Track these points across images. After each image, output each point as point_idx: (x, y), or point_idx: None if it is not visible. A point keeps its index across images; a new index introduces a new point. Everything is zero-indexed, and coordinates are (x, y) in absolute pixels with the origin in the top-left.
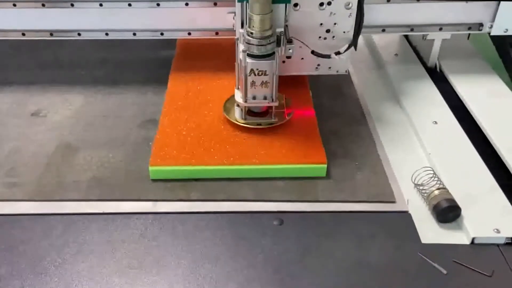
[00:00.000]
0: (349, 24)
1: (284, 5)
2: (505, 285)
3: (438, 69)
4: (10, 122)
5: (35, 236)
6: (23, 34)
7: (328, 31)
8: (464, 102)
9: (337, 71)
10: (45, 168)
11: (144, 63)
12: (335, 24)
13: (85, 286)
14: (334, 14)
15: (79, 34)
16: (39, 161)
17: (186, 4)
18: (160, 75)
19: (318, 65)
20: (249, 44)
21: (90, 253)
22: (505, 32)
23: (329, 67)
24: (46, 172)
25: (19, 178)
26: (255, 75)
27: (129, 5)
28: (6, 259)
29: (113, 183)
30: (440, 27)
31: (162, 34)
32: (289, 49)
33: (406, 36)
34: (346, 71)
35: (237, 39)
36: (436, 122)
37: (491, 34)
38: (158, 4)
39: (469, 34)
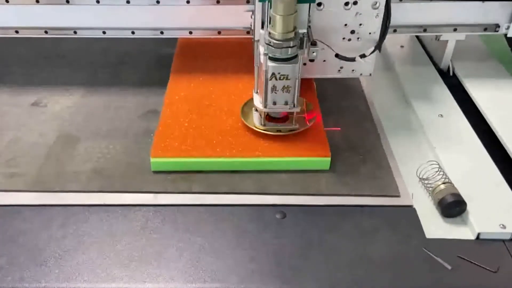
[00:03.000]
0: (376, 25)
1: (307, 5)
2: (511, 281)
3: (451, 72)
4: (10, 112)
5: (35, 227)
6: (17, 32)
7: (353, 32)
8: (477, 106)
9: (361, 74)
10: (45, 159)
11: (146, 54)
12: (360, 25)
13: (85, 278)
14: (360, 14)
15: (75, 32)
16: (39, 152)
17: (188, 2)
18: (162, 66)
19: (341, 67)
20: (270, 46)
21: (90, 245)
22: None
23: (353, 70)
24: (46, 162)
25: (19, 169)
26: (276, 79)
27: (128, 2)
28: (6, 250)
29: (114, 174)
30: (455, 28)
31: (162, 33)
32: (313, 52)
33: (418, 37)
34: (370, 74)
35: (257, 40)
36: (441, 116)
37: (508, 35)
38: (158, 2)
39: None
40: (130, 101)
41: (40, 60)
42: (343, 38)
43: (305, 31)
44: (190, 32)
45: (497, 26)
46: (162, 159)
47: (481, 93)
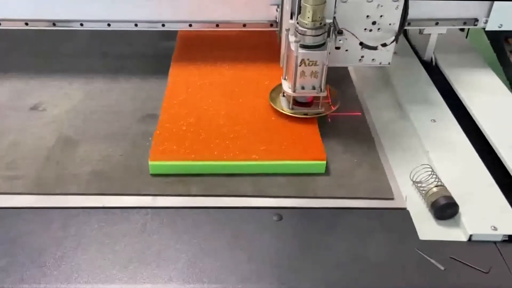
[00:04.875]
0: (396, 16)
1: None
2: (502, 282)
3: (433, 63)
4: (9, 115)
5: (34, 229)
6: (26, 24)
7: (374, 23)
8: (458, 95)
9: (380, 63)
10: (44, 162)
11: (144, 57)
12: (381, 16)
13: (84, 279)
14: (382, 6)
15: (81, 25)
16: (39, 155)
17: None
18: (160, 69)
19: (362, 56)
20: (301, 34)
21: (90, 246)
22: (499, 27)
23: (373, 59)
24: (46, 165)
25: (18, 171)
26: (305, 65)
27: None
28: (6, 252)
29: (113, 177)
30: (436, 22)
31: (163, 25)
32: (340, 40)
33: (404, 31)
34: (389, 63)
35: (287, 29)
36: (434, 120)
37: (486, 29)
38: None
39: (468, 30)
40: (128, 105)
41: (38, 65)
42: (365, 29)
43: (331, 21)
44: (190, 25)
45: (476, 20)
46: (161, 163)
47: (462, 82)
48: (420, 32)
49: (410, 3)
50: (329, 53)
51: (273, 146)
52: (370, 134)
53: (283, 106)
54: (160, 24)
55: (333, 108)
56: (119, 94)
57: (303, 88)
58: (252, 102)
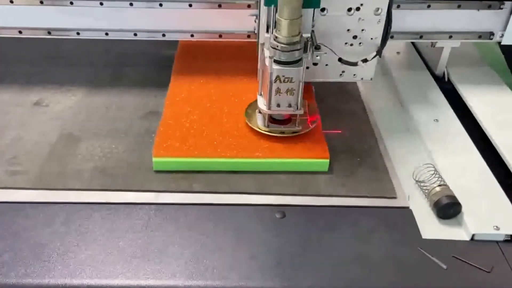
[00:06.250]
0: (378, 30)
1: (312, 9)
2: (504, 281)
3: (446, 78)
4: (12, 111)
5: (38, 224)
6: (20, 32)
7: (355, 37)
8: (472, 111)
9: (362, 78)
10: (47, 157)
11: (148, 55)
12: (362, 30)
13: (88, 274)
14: (363, 20)
15: (78, 33)
16: (42, 150)
17: (190, 5)
18: (164, 68)
19: (343, 71)
20: (276, 49)
21: (93, 241)
22: None
23: (354, 74)
24: (49, 161)
25: (21, 167)
26: (280, 82)
27: (131, 4)
28: (9, 246)
29: (116, 173)
30: (450, 35)
31: (164, 35)
32: (317, 56)
33: (413, 43)
34: (371, 79)
35: (262, 44)
36: (437, 120)
37: (502, 43)
38: (160, 5)
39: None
40: (131, 102)
41: (42, 61)
42: (345, 43)
43: (309, 35)
44: (192, 35)
45: (491, 34)
46: (164, 159)
47: (476, 98)
48: (432, 45)
49: (425, 14)
50: (307, 68)
51: (277, 144)
52: (372, 133)
53: (259, 123)
54: (161, 34)
55: (311, 126)
56: (121, 91)
57: (278, 105)
58: (255, 99)
